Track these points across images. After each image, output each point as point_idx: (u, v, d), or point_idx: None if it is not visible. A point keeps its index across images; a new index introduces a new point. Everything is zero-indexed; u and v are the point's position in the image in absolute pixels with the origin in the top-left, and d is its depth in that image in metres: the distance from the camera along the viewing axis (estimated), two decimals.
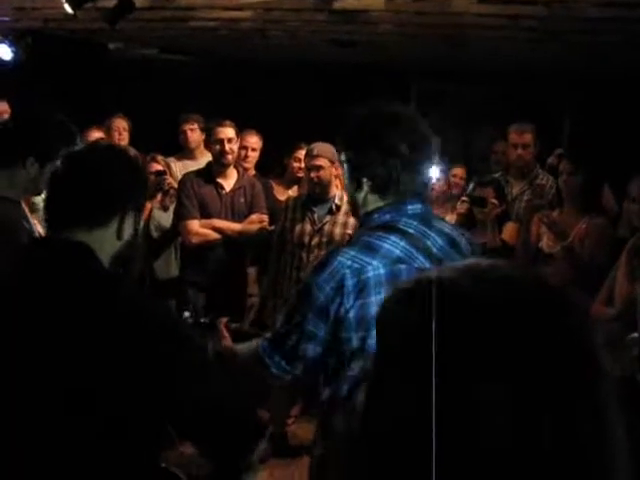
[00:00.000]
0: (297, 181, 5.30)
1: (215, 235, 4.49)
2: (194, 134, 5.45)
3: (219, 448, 1.69)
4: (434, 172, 4.68)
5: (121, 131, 5.58)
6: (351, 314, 1.89)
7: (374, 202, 2.02)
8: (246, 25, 5.22)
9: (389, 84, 6.55)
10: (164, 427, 1.66)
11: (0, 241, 2.50)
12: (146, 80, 6.79)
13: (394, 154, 1.96)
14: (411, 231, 1.96)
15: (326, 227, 4.15)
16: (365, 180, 1.99)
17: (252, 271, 5.12)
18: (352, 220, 4.12)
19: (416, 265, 1.92)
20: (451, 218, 4.36)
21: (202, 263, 4.52)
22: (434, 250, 1.98)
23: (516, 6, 4.05)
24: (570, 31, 4.51)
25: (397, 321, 0.77)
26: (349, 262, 1.89)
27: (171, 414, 1.61)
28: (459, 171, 4.99)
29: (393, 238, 1.94)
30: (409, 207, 2.00)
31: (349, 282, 1.88)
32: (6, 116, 5.07)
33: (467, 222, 4.17)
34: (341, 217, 4.15)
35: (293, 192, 4.95)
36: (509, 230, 4.16)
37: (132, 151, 4.54)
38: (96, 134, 5.19)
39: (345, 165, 2.08)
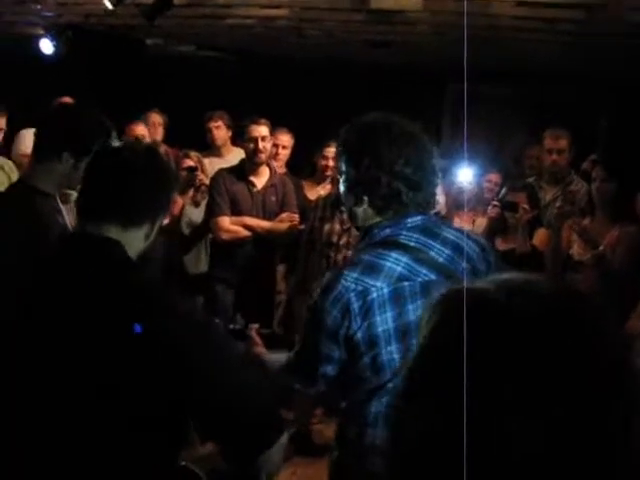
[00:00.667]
0: (325, 179, 5.29)
1: (245, 232, 4.51)
2: (220, 131, 5.48)
3: (238, 446, 1.70)
4: (465, 175, 4.65)
5: (156, 126, 5.62)
6: (359, 335, 1.90)
7: (373, 217, 2.00)
8: (282, 23, 5.24)
9: (423, 85, 6.53)
10: (185, 425, 1.66)
11: (35, 235, 2.55)
12: (183, 77, 6.85)
13: (397, 176, 1.93)
14: (413, 244, 1.94)
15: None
16: (365, 198, 1.97)
17: (281, 269, 5.14)
18: None
19: (419, 279, 1.92)
20: (482, 222, 4.33)
21: (231, 260, 4.56)
22: (440, 260, 1.95)
23: (554, 10, 4.01)
24: (608, 35, 4.46)
25: (433, 340, 0.77)
26: (353, 285, 1.89)
27: (193, 411, 1.62)
28: (494, 177, 4.95)
29: (394, 255, 1.92)
30: (409, 220, 1.97)
31: (354, 305, 1.88)
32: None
33: (498, 227, 4.14)
34: None
35: (324, 191, 4.95)
36: (540, 236, 4.11)
37: (163, 147, 4.61)
38: (139, 129, 5.21)
39: (343, 177, 2.04)
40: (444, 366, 0.73)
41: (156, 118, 5.62)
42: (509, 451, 0.68)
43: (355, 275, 1.90)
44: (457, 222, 4.51)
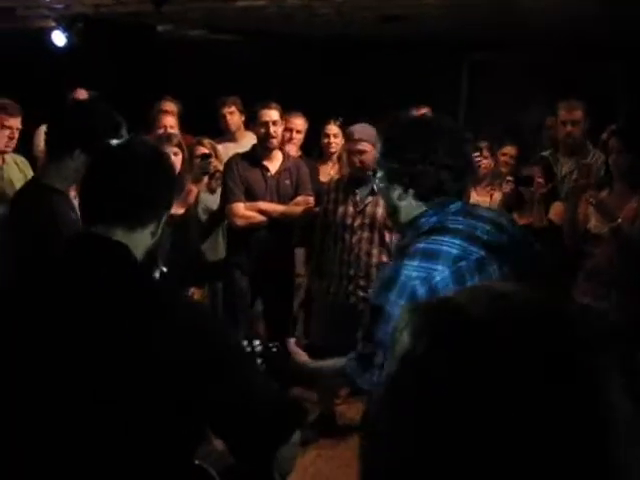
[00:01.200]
0: (330, 158, 5.26)
1: (261, 217, 4.50)
2: (233, 117, 5.47)
3: (251, 444, 1.70)
4: (483, 149, 4.59)
5: (170, 114, 5.61)
6: None
7: (416, 208, 2.10)
8: (293, 2, 5.20)
9: (439, 58, 6.44)
10: (200, 423, 1.66)
11: (49, 232, 2.57)
12: (195, 61, 6.83)
13: (441, 166, 2.05)
14: (460, 227, 2.05)
15: (368, 208, 4.12)
16: (411, 190, 2.08)
17: (300, 252, 5.14)
18: None
19: (473, 257, 2.01)
20: (497, 197, 4.28)
21: (248, 245, 4.56)
22: (485, 237, 2.05)
23: None
24: (630, 3, 4.34)
25: (409, 353, 0.74)
26: (415, 273, 1.97)
27: (206, 410, 1.62)
28: (510, 150, 4.86)
29: (447, 239, 2.02)
30: (451, 206, 2.09)
31: (420, 291, 1.95)
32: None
33: (514, 202, 4.09)
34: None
35: (333, 171, 4.91)
36: (557, 209, 4.05)
37: (177, 135, 4.60)
38: (168, 120, 5.21)
39: (385, 172, 2.14)
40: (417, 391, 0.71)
41: (169, 106, 5.60)
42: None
43: (415, 263, 1.98)
44: (474, 197, 4.46)
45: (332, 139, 5.26)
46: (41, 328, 1.58)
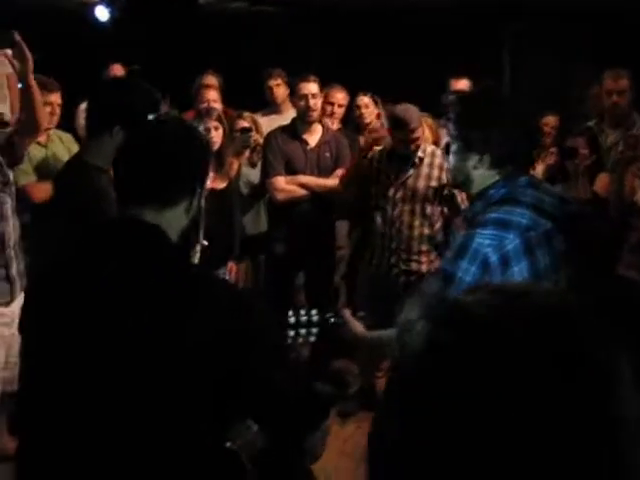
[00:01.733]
0: (363, 130, 5.21)
1: (302, 191, 4.51)
2: (279, 89, 5.44)
3: (284, 429, 1.71)
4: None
5: (212, 88, 5.60)
6: None
7: (490, 177, 2.14)
8: None
9: (482, 25, 6.30)
10: (234, 406, 1.67)
11: (92, 209, 2.61)
12: (237, 33, 6.81)
13: (519, 130, 2.13)
14: (529, 199, 2.10)
15: (410, 181, 4.09)
16: (487, 157, 2.11)
17: (344, 224, 5.13)
18: (435, 172, 4.06)
19: (541, 230, 2.07)
20: (539, 169, 4.19)
21: (289, 219, 4.57)
22: (550, 210, 2.12)
23: None
24: None
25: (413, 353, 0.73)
26: (488, 241, 2.02)
27: (242, 395, 1.63)
28: (551, 119, 4.75)
29: (518, 210, 2.07)
30: (521, 179, 2.14)
31: (493, 258, 2.01)
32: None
33: (557, 174, 4.01)
34: (424, 170, 4.08)
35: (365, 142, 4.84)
36: (602, 181, 3.96)
37: (218, 109, 4.60)
38: (211, 94, 5.22)
39: (462, 141, 2.17)
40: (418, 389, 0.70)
41: (211, 80, 5.60)
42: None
43: (488, 232, 2.04)
44: None
45: (364, 109, 5.21)
46: (77, 312, 1.60)
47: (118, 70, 5.51)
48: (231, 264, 4.55)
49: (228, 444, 1.79)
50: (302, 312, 2.44)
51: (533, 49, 6.63)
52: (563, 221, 2.13)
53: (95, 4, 6.15)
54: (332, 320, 2.42)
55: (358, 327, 2.36)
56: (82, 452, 1.57)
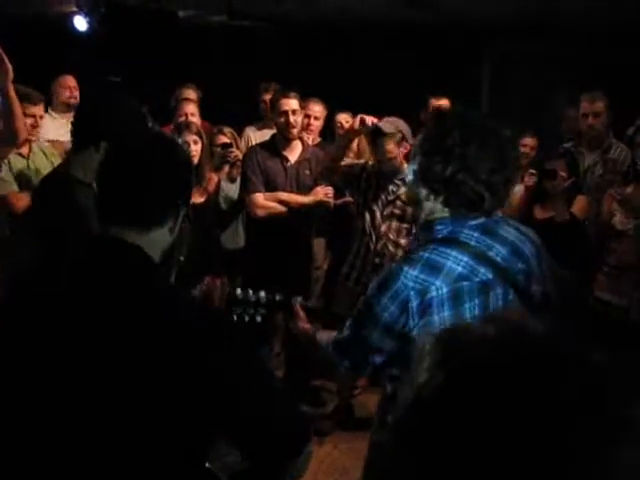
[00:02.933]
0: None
1: (280, 208, 4.49)
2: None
3: (267, 456, 1.68)
4: None
5: (191, 102, 5.58)
6: (415, 332, 1.91)
7: (440, 212, 1.99)
8: None
9: (462, 44, 6.35)
10: (211, 430, 1.64)
11: (71, 224, 2.57)
12: (216, 47, 6.80)
13: (482, 182, 1.91)
14: (473, 243, 1.95)
15: (399, 199, 4.09)
16: (442, 197, 1.95)
17: (321, 243, 5.11)
18: None
19: (477, 279, 1.93)
20: (519, 189, 4.22)
21: (267, 235, 4.54)
22: (498, 259, 1.96)
23: None
24: None
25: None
26: (412, 284, 1.90)
27: (222, 421, 1.59)
28: (530, 141, 4.79)
29: (455, 254, 1.93)
30: (472, 222, 1.97)
31: (413, 303, 1.90)
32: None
33: (536, 195, 4.04)
34: None
35: (349, 160, 4.85)
36: (579, 203, 4.00)
37: (197, 123, 4.58)
38: (189, 108, 5.21)
39: (419, 170, 2.00)
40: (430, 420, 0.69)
41: (190, 94, 5.58)
42: None
43: (415, 273, 1.91)
44: None
45: (345, 125, 5.23)
46: (51, 332, 1.56)
47: (71, 82, 5.46)
48: (209, 278, 4.52)
49: (208, 465, 1.76)
50: (250, 292, 2.45)
51: (512, 70, 6.70)
52: (508, 277, 1.96)
53: (74, 14, 6.10)
54: (279, 300, 2.44)
55: (303, 322, 2.36)
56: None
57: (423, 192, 1.99)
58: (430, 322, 1.89)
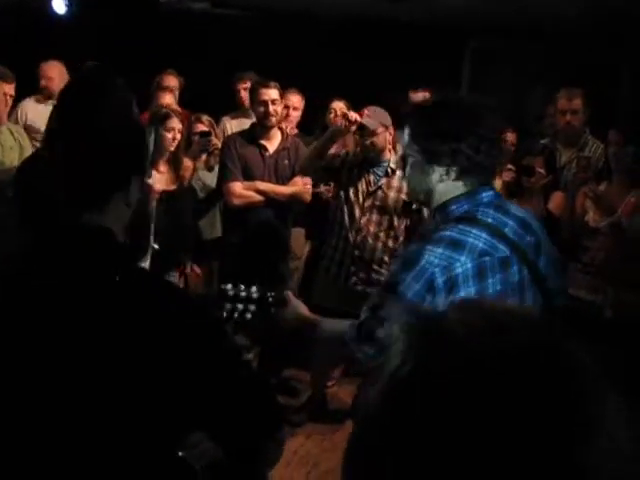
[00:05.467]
0: None
1: (258, 197, 4.47)
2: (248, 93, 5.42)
3: (239, 443, 1.67)
4: None
5: (171, 89, 5.54)
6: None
7: (455, 189, 2.04)
8: None
9: (442, 42, 6.36)
10: (183, 418, 1.63)
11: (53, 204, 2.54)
12: (197, 35, 6.75)
13: (486, 139, 2.00)
14: (490, 220, 2.00)
15: (380, 191, 4.08)
16: (454, 169, 2.01)
17: (300, 234, 5.10)
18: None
19: (498, 255, 1.97)
20: (498, 185, 4.24)
21: (244, 225, 4.52)
22: (511, 236, 2.01)
23: None
24: None
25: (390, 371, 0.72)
26: (437, 260, 1.93)
27: (194, 409, 1.59)
28: (510, 136, 4.81)
29: (475, 231, 1.97)
30: (483, 195, 2.03)
31: (439, 280, 1.92)
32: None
33: (513, 190, 4.05)
34: (396, 181, 4.06)
35: (335, 150, 4.85)
36: (556, 200, 4.02)
37: (174, 111, 4.54)
38: (167, 98, 5.16)
39: (422, 154, 2.06)
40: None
41: (170, 80, 5.53)
42: None
43: (440, 250, 1.94)
44: None
45: (339, 114, 5.21)
46: (37, 323, 1.54)
47: (50, 70, 5.37)
48: (190, 265, 4.51)
49: (180, 453, 1.75)
50: (242, 287, 2.39)
51: (492, 66, 6.72)
52: (523, 251, 2.02)
53: None
54: (270, 298, 2.36)
55: (302, 307, 2.32)
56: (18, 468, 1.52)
57: (436, 175, 2.04)
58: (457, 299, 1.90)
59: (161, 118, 4.24)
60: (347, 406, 4.53)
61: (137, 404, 1.49)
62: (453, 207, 2.04)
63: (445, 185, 2.04)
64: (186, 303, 1.65)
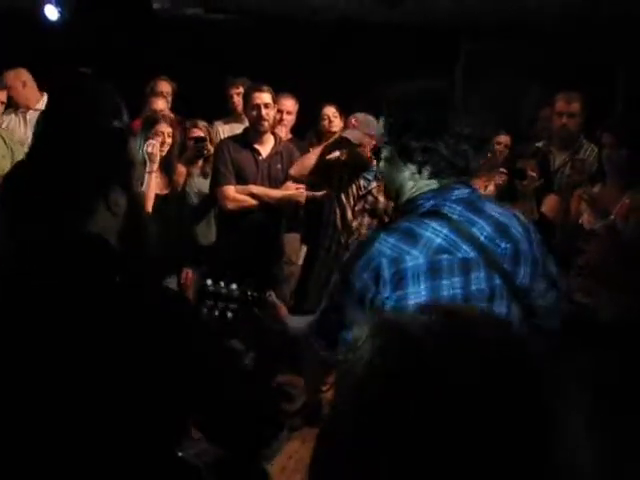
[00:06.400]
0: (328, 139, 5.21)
1: (251, 201, 4.46)
2: (241, 98, 5.41)
3: (239, 445, 1.67)
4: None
5: (164, 94, 5.53)
6: (388, 304, 1.79)
7: (426, 187, 1.90)
8: None
9: (436, 44, 6.36)
10: (182, 419, 1.62)
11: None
12: (190, 40, 6.74)
13: (463, 137, 1.87)
14: (455, 217, 1.85)
15: (370, 195, 4.10)
16: (427, 168, 1.88)
17: (296, 238, 5.09)
18: None
19: (460, 255, 1.81)
20: (491, 189, 4.23)
21: (238, 229, 4.51)
22: (481, 238, 1.85)
23: None
24: None
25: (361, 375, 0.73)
26: (387, 250, 1.80)
27: (193, 410, 1.58)
28: (504, 139, 4.82)
29: (435, 225, 1.82)
30: (455, 192, 1.89)
31: (386, 272, 1.79)
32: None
33: (507, 194, 4.05)
34: None
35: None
36: (549, 203, 4.01)
37: (166, 116, 4.54)
38: (159, 103, 5.16)
39: (395, 150, 1.93)
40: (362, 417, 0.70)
41: (163, 86, 5.53)
42: None
43: (391, 240, 1.81)
44: None
45: (333, 119, 5.20)
46: (34, 326, 1.52)
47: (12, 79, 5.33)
48: (187, 271, 4.51)
49: (180, 454, 1.74)
50: (222, 284, 2.36)
51: (485, 69, 6.72)
52: (493, 258, 1.84)
53: (44, 2, 6.00)
54: (251, 297, 2.35)
55: (282, 310, 2.28)
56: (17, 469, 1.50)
57: (407, 172, 1.91)
58: (405, 295, 1.78)
59: (150, 123, 4.25)
60: None
61: (135, 403, 1.49)
62: (420, 202, 1.89)
63: (416, 183, 1.91)
64: (182, 307, 1.65)
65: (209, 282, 2.36)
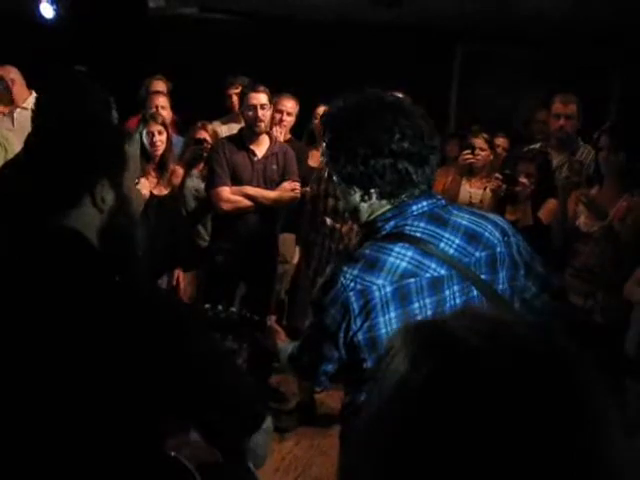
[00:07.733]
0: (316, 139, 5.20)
1: (247, 202, 4.44)
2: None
3: (223, 433, 1.66)
4: (478, 142, 4.47)
5: (161, 94, 5.50)
6: (360, 337, 1.78)
7: (380, 207, 1.83)
8: None
9: (433, 46, 6.37)
10: (169, 415, 1.61)
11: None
12: (185, 39, 6.73)
13: (399, 155, 1.75)
14: (419, 235, 1.77)
15: None
16: (373, 191, 1.80)
17: (291, 238, 5.07)
18: None
19: (428, 275, 1.75)
20: (487, 193, 4.21)
21: (233, 229, 4.49)
22: (451, 252, 1.78)
23: None
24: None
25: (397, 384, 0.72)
26: (352, 284, 1.75)
27: (177, 400, 1.57)
28: (501, 141, 4.81)
29: (398, 249, 1.76)
30: (414, 207, 1.80)
31: (354, 305, 1.75)
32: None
33: (503, 198, 4.03)
34: None
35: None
36: (549, 207, 3.99)
37: (162, 114, 4.52)
38: (160, 100, 5.12)
39: (338, 175, 1.85)
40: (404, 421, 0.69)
41: (160, 85, 5.51)
42: None
43: (355, 272, 1.75)
44: (466, 188, 4.39)
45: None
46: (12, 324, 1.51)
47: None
48: (178, 272, 4.48)
49: (172, 453, 1.73)
50: (220, 308, 2.33)
51: (482, 70, 6.73)
52: (466, 269, 1.77)
53: (40, 1, 5.98)
54: (253, 317, 2.33)
55: (280, 335, 2.27)
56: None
57: (357, 197, 1.83)
58: (375, 325, 1.75)
59: (146, 121, 4.25)
60: (335, 412, 4.47)
61: (126, 403, 1.47)
62: (379, 224, 1.81)
63: (369, 205, 1.83)
64: (175, 306, 1.63)
65: (207, 306, 2.35)
